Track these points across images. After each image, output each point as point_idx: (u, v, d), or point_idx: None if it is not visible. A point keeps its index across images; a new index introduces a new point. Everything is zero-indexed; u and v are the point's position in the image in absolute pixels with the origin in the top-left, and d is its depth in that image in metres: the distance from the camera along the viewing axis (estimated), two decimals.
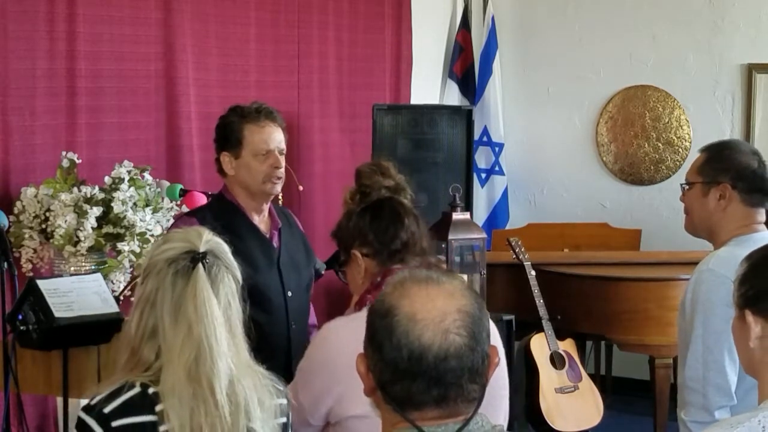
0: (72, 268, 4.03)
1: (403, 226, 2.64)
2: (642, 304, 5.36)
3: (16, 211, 4.10)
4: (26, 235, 4.06)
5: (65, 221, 4.00)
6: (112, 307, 3.27)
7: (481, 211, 6.90)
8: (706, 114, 6.57)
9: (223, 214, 3.43)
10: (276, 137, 3.49)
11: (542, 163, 7.11)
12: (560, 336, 5.42)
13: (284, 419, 2.26)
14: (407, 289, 1.62)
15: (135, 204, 4.14)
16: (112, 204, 4.08)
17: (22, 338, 3.20)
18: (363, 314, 1.68)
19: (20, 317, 3.17)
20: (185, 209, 4.16)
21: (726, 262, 2.69)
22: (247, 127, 3.46)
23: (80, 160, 4.26)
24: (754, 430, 1.77)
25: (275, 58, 5.60)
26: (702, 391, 2.78)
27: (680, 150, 6.66)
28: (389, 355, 1.58)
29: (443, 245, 4.94)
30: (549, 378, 5.31)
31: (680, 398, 2.87)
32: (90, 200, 4.08)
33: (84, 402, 2.15)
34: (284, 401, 2.26)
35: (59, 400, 3.49)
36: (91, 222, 4.01)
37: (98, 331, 3.16)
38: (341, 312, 2.69)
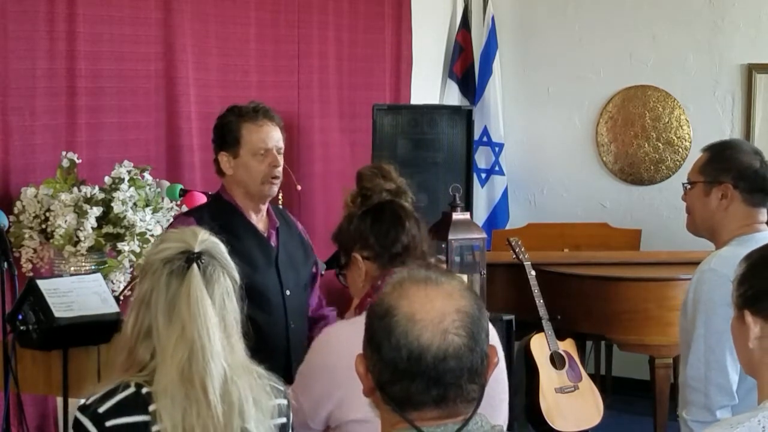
0: (72, 268, 4.03)
1: (404, 229, 2.64)
2: (642, 304, 5.35)
3: (16, 211, 4.10)
4: (26, 235, 4.06)
5: (65, 221, 4.00)
6: (112, 307, 3.28)
7: (481, 211, 6.89)
8: (706, 114, 6.56)
9: (221, 213, 3.43)
10: (274, 136, 3.48)
11: (542, 163, 7.11)
12: (560, 336, 5.41)
13: (283, 420, 2.24)
14: (406, 290, 1.62)
15: (135, 204, 4.14)
16: (112, 204, 4.08)
17: (22, 338, 3.20)
18: (363, 318, 1.68)
19: (20, 317, 3.18)
20: (185, 209, 4.15)
21: (728, 262, 2.68)
22: (245, 126, 3.45)
23: (80, 160, 4.26)
24: (754, 429, 1.78)
25: (275, 58, 5.60)
26: (704, 390, 2.78)
27: (680, 150, 6.66)
28: (388, 356, 1.58)
29: (443, 245, 4.93)
30: (549, 378, 5.31)
31: (682, 397, 2.87)
32: (90, 200, 4.08)
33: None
34: (284, 401, 2.25)
35: (59, 400, 3.49)
36: (91, 222, 4.01)
37: (98, 331, 3.16)
38: (341, 312, 2.69)
